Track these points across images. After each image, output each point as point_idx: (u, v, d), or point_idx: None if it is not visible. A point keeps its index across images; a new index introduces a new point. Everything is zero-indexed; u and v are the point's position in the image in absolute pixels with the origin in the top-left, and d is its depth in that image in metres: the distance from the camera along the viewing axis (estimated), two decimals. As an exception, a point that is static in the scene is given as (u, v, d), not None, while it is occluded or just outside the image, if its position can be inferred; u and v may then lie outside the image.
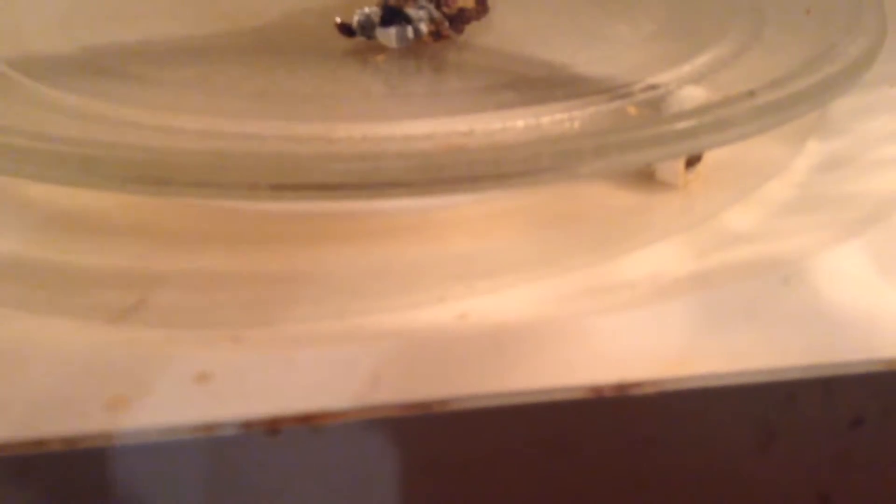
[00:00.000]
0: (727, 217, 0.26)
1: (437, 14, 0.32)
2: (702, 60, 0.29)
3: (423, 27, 0.32)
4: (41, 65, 0.30)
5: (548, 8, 0.36)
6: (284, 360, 0.21)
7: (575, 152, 0.22)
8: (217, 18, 0.35)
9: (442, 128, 0.25)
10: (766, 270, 0.24)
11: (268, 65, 0.31)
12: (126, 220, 0.26)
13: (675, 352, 0.21)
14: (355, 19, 0.32)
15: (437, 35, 0.32)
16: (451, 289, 0.23)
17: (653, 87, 0.27)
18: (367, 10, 0.32)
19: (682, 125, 0.23)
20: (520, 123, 0.25)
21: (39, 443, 0.19)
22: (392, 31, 0.31)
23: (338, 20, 0.32)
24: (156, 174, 0.21)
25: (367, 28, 0.32)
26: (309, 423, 0.20)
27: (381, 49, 0.32)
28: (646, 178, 0.27)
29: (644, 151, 0.23)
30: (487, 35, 0.33)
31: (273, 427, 0.19)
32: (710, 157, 0.27)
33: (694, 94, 0.26)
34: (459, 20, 0.33)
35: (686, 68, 0.29)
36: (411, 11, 0.32)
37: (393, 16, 0.31)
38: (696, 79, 0.28)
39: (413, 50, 0.32)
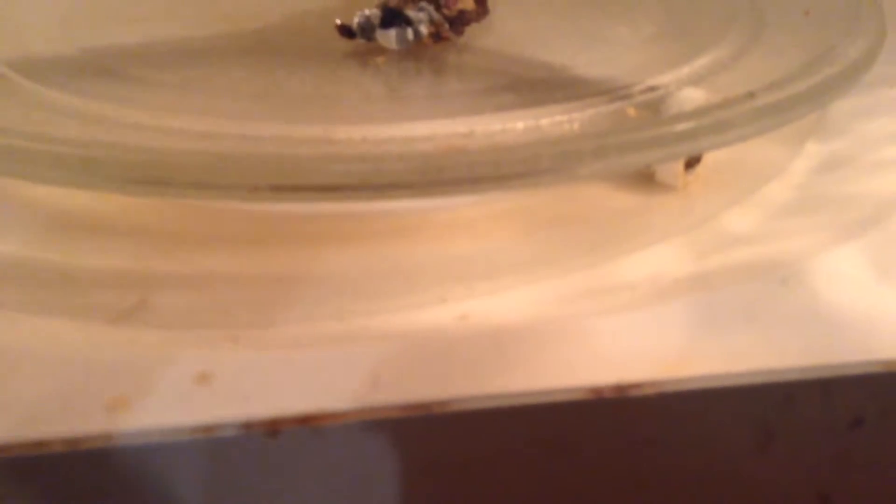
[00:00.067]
0: (726, 218, 0.26)
1: (436, 16, 0.32)
2: (701, 62, 0.29)
3: (423, 29, 0.32)
4: (41, 66, 0.30)
5: (548, 10, 0.36)
6: (284, 361, 0.21)
7: (574, 154, 0.22)
8: (217, 20, 0.35)
9: (442, 129, 0.25)
10: (765, 272, 0.24)
11: (268, 66, 0.31)
12: (126, 221, 0.26)
13: (675, 353, 0.21)
14: (355, 21, 0.32)
15: (437, 37, 0.32)
16: (452, 290, 0.23)
17: (652, 88, 0.27)
18: (367, 11, 0.32)
19: (681, 127, 0.23)
20: (519, 125, 0.25)
21: (40, 444, 0.19)
22: (392, 33, 0.31)
23: (338, 22, 0.32)
24: (156, 175, 0.21)
25: (367, 30, 0.32)
26: (309, 424, 0.20)
27: (381, 51, 0.32)
28: (645, 179, 0.27)
29: (643, 153, 0.23)
30: (487, 37, 0.33)
31: (273, 428, 0.19)
32: (709, 159, 0.27)
33: (693, 96, 0.26)
34: (459, 22, 0.33)
35: (685, 70, 0.29)
36: (411, 13, 0.32)
37: (393, 17, 0.31)
38: (696, 80, 0.28)
39: (413, 52, 0.32)
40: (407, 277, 0.24)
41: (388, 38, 0.31)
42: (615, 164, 0.22)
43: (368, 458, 0.20)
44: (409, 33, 0.31)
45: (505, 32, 0.34)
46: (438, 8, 0.32)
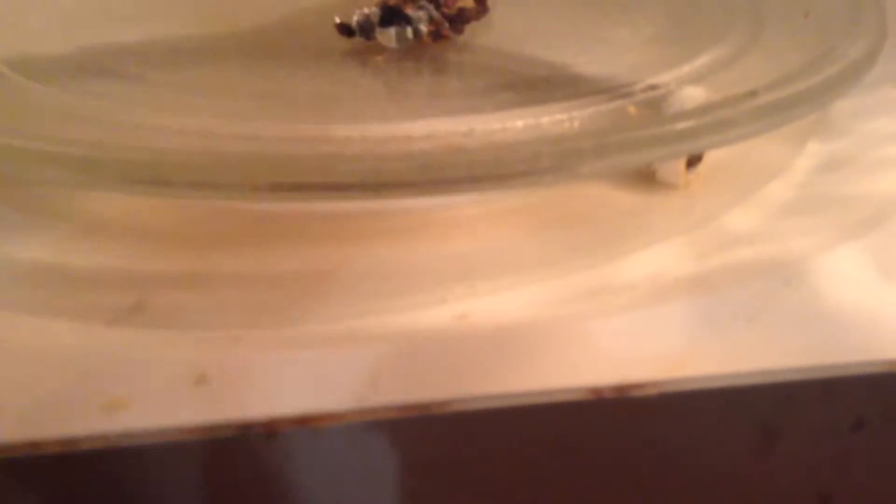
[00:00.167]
0: (728, 218, 0.26)
1: (436, 14, 0.32)
2: (702, 61, 0.29)
3: (423, 27, 0.32)
4: (40, 65, 0.30)
5: (548, 8, 0.36)
6: (283, 362, 0.21)
7: (575, 152, 0.22)
8: (216, 19, 0.35)
9: (442, 128, 0.25)
10: (766, 271, 0.24)
11: (267, 65, 0.31)
12: (124, 221, 0.26)
13: (676, 353, 0.21)
14: (354, 20, 0.32)
15: (436, 35, 0.32)
16: (452, 290, 0.23)
17: (653, 87, 0.27)
18: (366, 10, 0.32)
19: (682, 125, 0.23)
20: (519, 123, 0.25)
21: (36, 444, 0.19)
22: (391, 32, 0.31)
23: (337, 20, 0.32)
24: (155, 175, 0.21)
25: (366, 28, 0.32)
26: (308, 425, 0.19)
27: (381, 49, 0.32)
28: (646, 178, 0.27)
29: (644, 151, 0.23)
30: (487, 35, 0.33)
31: (271, 429, 0.19)
32: (710, 158, 0.27)
33: (694, 95, 0.26)
34: (459, 20, 0.33)
35: (686, 69, 0.28)
36: (411, 12, 0.32)
37: (392, 16, 0.31)
38: (697, 79, 0.28)
39: (412, 50, 0.32)
40: (406, 277, 0.24)
41: (388, 36, 0.31)
42: (616, 162, 0.22)
43: (368, 460, 0.20)
44: (409, 32, 0.31)
45: (505, 31, 0.34)
46: (438, 6, 0.32)
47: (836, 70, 0.26)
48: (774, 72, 0.26)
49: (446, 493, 0.21)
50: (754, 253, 0.25)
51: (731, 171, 0.28)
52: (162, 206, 0.26)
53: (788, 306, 0.22)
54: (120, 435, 0.19)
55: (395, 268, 0.24)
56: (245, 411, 0.19)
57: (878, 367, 0.21)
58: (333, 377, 0.20)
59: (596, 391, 0.20)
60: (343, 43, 0.32)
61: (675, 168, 0.27)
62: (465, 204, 0.26)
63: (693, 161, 0.27)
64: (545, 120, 0.25)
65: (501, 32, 0.33)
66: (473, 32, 0.33)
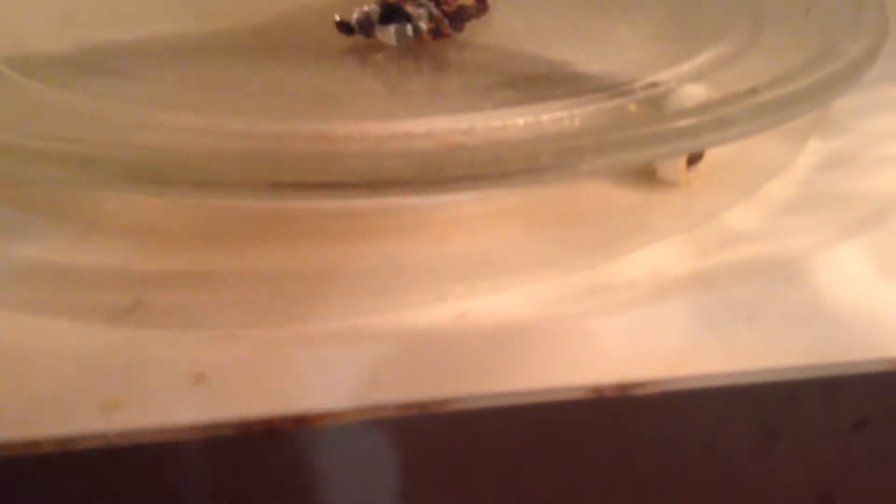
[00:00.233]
0: (729, 216, 0.26)
1: (436, 12, 0.32)
2: (703, 59, 0.29)
3: (423, 25, 0.32)
4: (39, 64, 0.30)
5: (548, 6, 0.36)
6: (282, 361, 0.21)
7: (575, 150, 0.22)
8: (216, 17, 0.35)
9: (442, 126, 0.25)
10: (767, 270, 0.24)
11: (266, 63, 0.31)
12: (123, 221, 0.26)
13: (677, 352, 0.21)
14: (354, 17, 0.32)
15: (436, 33, 0.32)
16: (452, 288, 0.23)
17: (654, 84, 0.27)
18: (366, 8, 0.32)
19: (683, 123, 0.23)
20: (520, 121, 0.25)
21: (35, 444, 0.19)
22: (391, 29, 0.31)
23: (337, 18, 0.32)
24: (154, 173, 0.21)
25: (366, 26, 0.31)
26: (307, 424, 0.19)
27: (381, 47, 0.31)
28: (647, 176, 0.27)
29: (645, 149, 0.23)
30: (487, 33, 0.33)
31: (270, 428, 0.19)
32: (711, 156, 0.27)
33: (695, 92, 0.26)
34: (459, 18, 0.33)
35: (687, 66, 0.28)
36: (410, 9, 0.31)
37: (392, 14, 0.31)
38: (697, 77, 0.28)
39: (412, 48, 0.32)
40: (406, 275, 0.24)
41: (388, 34, 0.31)
42: (616, 160, 0.22)
43: (368, 458, 0.20)
44: (409, 30, 0.31)
45: (505, 29, 0.34)
46: (438, 4, 0.32)
47: (836, 68, 0.26)
48: (775, 69, 0.26)
49: (446, 492, 0.21)
50: (755, 251, 0.24)
51: (732, 169, 0.28)
52: (161, 204, 0.26)
53: (789, 305, 0.22)
54: (119, 434, 0.19)
55: (395, 266, 0.24)
56: (244, 410, 0.19)
57: (880, 365, 0.21)
58: (333, 376, 0.20)
59: (597, 390, 0.20)
60: (343, 41, 0.32)
61: (675, 166, 0.27)
62: (465, 202, 0.26)
63: (693, 159, 0.27)
64: (545, 118, 0.25)
65: (501, 30, 0.33)
66: (473, 30, 0.33)
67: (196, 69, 0.30)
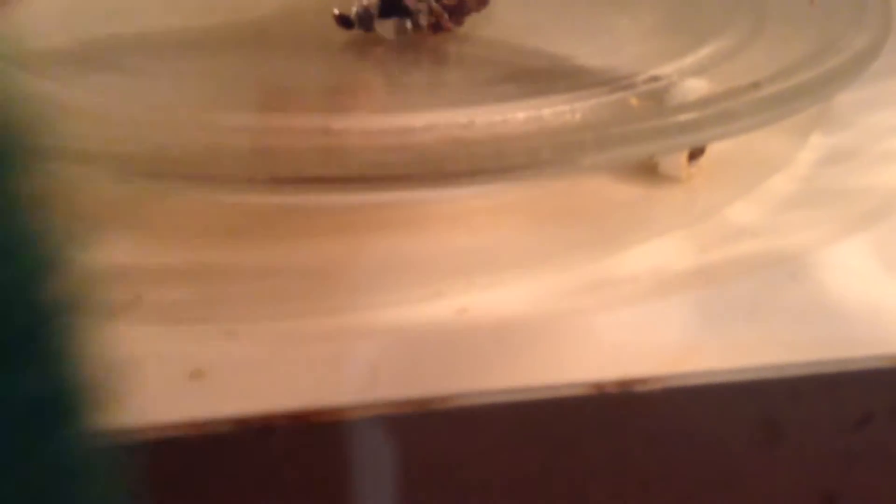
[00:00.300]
0: (731, 211, 0.26)
1: (436, 6, 0.32)
2: (705, 52, 0.29)
3: (423, 19, 0.31)
4: (37, 58, 0.30)
5: (548, 0, 0.36)
6: (281, 357, 0.21)
7: (576, 144, 0.22)
8: (214, 11, 0.35)
9: (442, 120, 0.24)
10: (770, 265, 0.23)
11: (265, 57, 0.30)
12: (122, 216, 0.25)
13: (679, 348, 0.21)
14: (354, 11, 0.31)
15: (436, 27, 0.32)
16: (451, 283, 0.23)
17: (655, 78, 0.27)
18: (365, 1, 0.31)
19: (685, 117, 0.23)
20: (521, 115, 0.25)
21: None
22: (391, 23, 0.31)
23: (336, 12, 0.32)
24: (153, 168, 0.21)
25: (365, 20, 0.31)
26: (305, 421, 0.19)
27: (380, 41, 0.31)
28: (648, 171, 0.27)
29: (646, 144, 0.22)
30: (487, 27, 0.33)
31: (268, 424, 0.19)
32: (713, 151, 0.27)
33: (697, 86, 0.26)
34: (459, 12, 0.32)
35: (689, 60, 0.28)
36: (410, 3, 0.31)
37: (392, 7, 0.31)
38: (699, 71, 0.28)
39: (412, 42, 0.31)
40: (405, 271, 0.23)
41: (387, 28, 0.31)
42: (617, 155, 0.22)
43: (367, 455, 0.20)
44: (408, 23, 0.31)
45: (505, 22, 0.33)
46: (438, -2, 0.32)
47: (839, 62, 0.26)
48: (777, 63, 0.26)
49: (446, 490, 0.21)
50: (758, 246, 0.24)
51: (734, 164, 0.28)
52: (159, 199, 0.26)
53: (793, 300, 0.22)
54: (115, 431, 0.19)
55: (394, 262, 0.24)
56: (242, 406, 0.19)
57: (884, 361, 0.21)
58: (332, 372, 0.20)
59: (598, 386, 0.20)
60: (342, 35, 0.32)
61: (677, 161, 0.26)
62: (465, 197, 0.26)
63: (695, 154, 0.27)
64: (546, 112, 0.25)
65: (502, 24, 0.33)
66: (474, 24, 0.33)
67: (195, 63, 0.30)
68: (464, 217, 0.25)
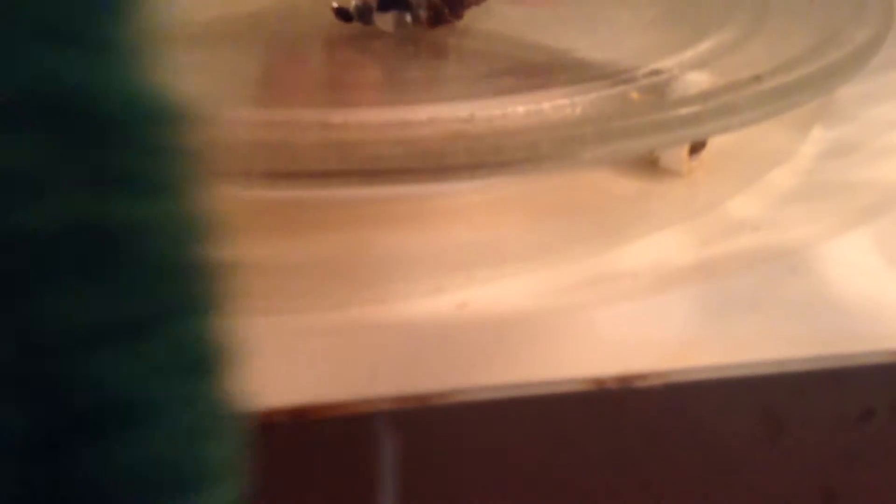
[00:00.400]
0: (732, 205, 0.26)
1: (435, -1, 0.32)
2: (705, 46, 0.29)
3: (422, 12, 0.31)
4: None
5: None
6: (280, 352, 0.20)
7: (577, 138, 0.21)
8: (213, 4, 0.35)
9: (441, 114, 0.24)
10: (771, 259, 0.23)
11: (264, 50, 0.30)
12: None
13: (679, 343, 0.21)
14: (353, 4, 0.31)
15: (435, 20, 0.32)
16: (451, 278, 0.23)
17: (656, 72, 0.27)
18: (364, -6, 0.31)
19: (685, 111, 0.22)
20: (521, 109, 0.25)
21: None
22: (390, 17, 0.31)
23: (335, 5, 0.32)
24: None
25: (364, 13, 0.31)
26: (305, 417, 0.19)
27: (379, 34, 0.31)
28: (648, 165, 0.27)
29: (647, 137, 0.22)
30: (487, 20, 0.33)
31: (267, 420, 0.19)
32: (714, 145, 0.27)
33: (698, 80, 0.26)
34: (459, 5, 0.32)
35: (689, 54, 0.28)
36: (410, -4, 0.31)
37: (391, 1, 0.31)
38: (700, 64, 0.27)
39: (411, 35, 0.31)
40: (404, 266, 0.23)
41: (386, 21, 0.31)
42: (618, 148, 0.22)
43: (366, 451, 0.20)
44: (408, 17, 0.31)
45: (505, 16, 0.33)
46: (437, -9, 0.32)
47: (841, 55, 0.26)
48: (779, 57, 0.25)
49: (444, 485, 0.21)
50: (759, 240, 0.24)
51: (735, 158, 0.28)
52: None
53: (794, 295, 0.22)
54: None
55: (394, 256, 0.24)
56: (241, 402, 0.19)
57: (886, 356, 0.20)
58: (331, 367, 0.20)
59: (598, 382, 0.20)
60: (340, 28, 0.31)
61: (677, 155, 0.26)
62: (465, 191, 0.26)
63: (696, 148, 0.26)
64: (547, 105, 0.25)
65: (502, 17, 0.33)
66: (473, 17, 0.33)
67: (193, 56, 0.30)
68: (464, 212, 0.25)
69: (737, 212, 0.25)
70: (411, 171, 0.21)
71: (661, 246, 0.24)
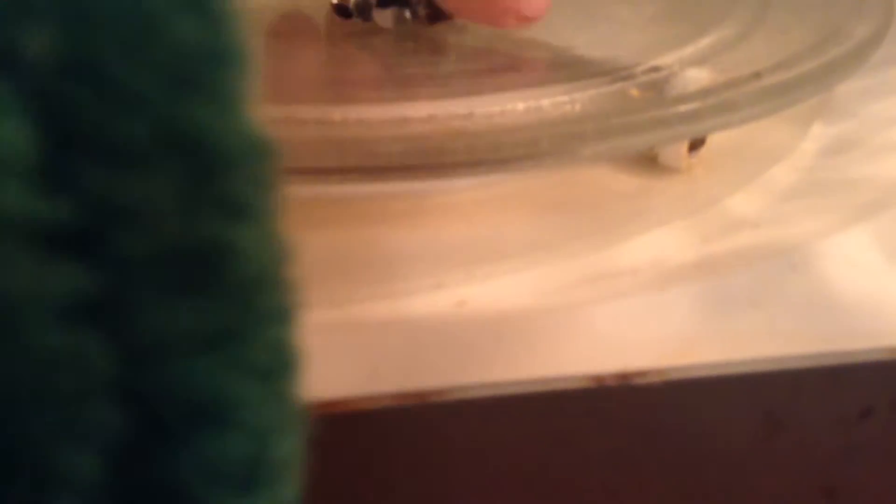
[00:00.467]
0: (732, 202, 0.26)
1: (434, -5, 0.32)
2: (705, 42, 0.29)
3: (421, 9, 0.31)
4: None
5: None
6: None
7: (576, 135, 0.21)
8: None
9: (441, 111, 0.24)
10: (771, 256, 0.23)
11: (261, 47, 0.30)
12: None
13: (679, 340, 0.21)
14: (352, 1, 0.31)
15: (435, 17, 0.32)
16: (450, 275, 0.23)
17: (656, 68, 0.27)
18: (363, -10, 0.31)
19: (685, 108, 0.22)
20: (520, 106, 0.25)
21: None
22: (389, 13, 0.31)
23: (334, 1, 0.31)
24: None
25: (363, 9, 0.31)
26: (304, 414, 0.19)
27: (378, 31, 0.31)
28: (648, 162, 0.27)
29: (646, 134, 0.22)
30: (487, 17, 0.33)
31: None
32: (713, 141, 0.27)
33: (698, 76, 0.26)
34: (458, 1, 0.32)
35: (689, 50, 0.28)
36: (409, -8, 0.31)
37: (390, -4, 0.31)
38: (700, 61, 0.27)
39: (411, 32, 0.31)
40: (403, 263, 0.23)
41: (385, 17, 0.31)
42: (617, 145, 0.22)
43: (364, 449, 0.20)
44: (407, 13, 0.31)
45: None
46: (437, -13, 0.32)
47: (841, 51, 0.26)
48: (779, 53, 0.25)
49: (443, 483, 0.21)
50: (759, 237, 0.24)
51: (735, 155, 0.28)
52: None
53: (794, 292, 0.22)
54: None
55: (393, 254, 0.24)
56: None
57: (886, 354, 0.20)
58: (328, 365, 0.20)
59: (597, 379, 0.20)
60: (340, 24, 0.31)
61: (677, 151, 0.26)
62: (464, 188, 0.26)
63: (696, 144, 0.26)
64: (546, 102, 0.25)
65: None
66: (472, 14, 0.32)
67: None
68: (463, 208, 0.25)
69: (737, 209, 0.25)
70: (410, 168, 0.21)
71: (661, 243, 0.24)
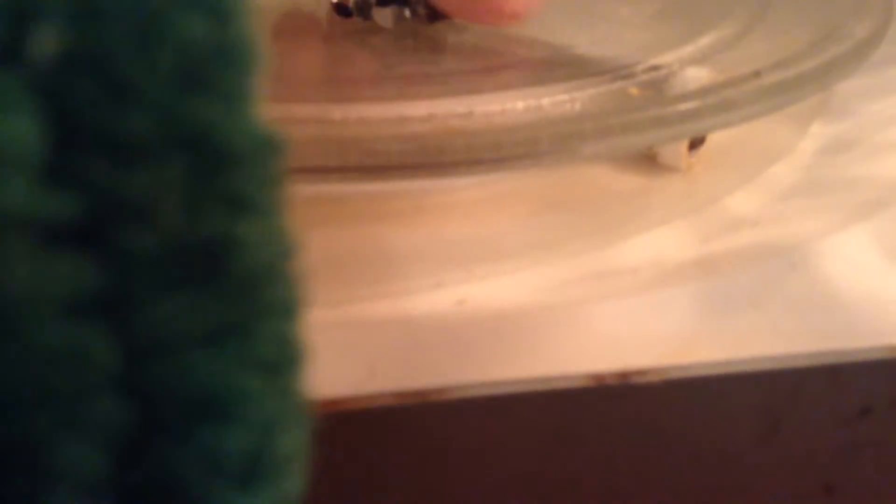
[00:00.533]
0: (731, 201, 0.26)
1: (434, -6, 0.31)
2: (705, 41, 0.29)
3: (420, 8, 0.31)
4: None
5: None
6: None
7: (576, 134, 0.21)
8: None
9: (440, 109, 0.24)
10: (771, 255, 0.23)
11: (262, 45, 0.30)
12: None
13: (679, 339, 0.21)
14: (351, 0, 0.31)
15: (434, 16, 0.32)
16: (450, 274, 0.23)
17: (655, 67, 0.27)
18: (363, -11, 0.31)
19: (685, 106, 0.22)
20: (520, 105, 0.25)
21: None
22: (389, 12, 0.31)
23: (334, 0, 0.31)
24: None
25: (363, 8, 0.31)
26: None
27: (378, 30, 0.31)
28: (648, 161, 0.27)
29: (646, 133, 0.22)
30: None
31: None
32: (713, 140, 0.27)
33: (697, 75, 0.26)
34: (458, 0, 0.32)
35: (689, 49, 0.28)
36: (409, -9, 0.31)
37: (390, -5, 0.31)
38: (700, 60, 0.27)
39: (410, 30, 0.31)
40: (403, 262, 0.23)
41: (385, 16, 0.31)
42: (617, 144, 0.22)
43: (364, 448, 0.20)
44: (406, 12, 0.31)
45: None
46: (436, -14, 0.32)
47: (840, 50, 0.26)
48: (778, 52, 0.25)
49: (442, 482, 0.21)
50: (758, 236, 0.24)
51: (735, 154, 0.28)
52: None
53: (794, 291, 0.22)
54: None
55: (393, 253, 0.24)
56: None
57: (885, 352, 0.20)
58: (328, 364, 0.20)
59: (597, 378, 0.20)
60: (340, 23, 0.31)
61: (677, 150, 0.26)
62: (464, 187, 0.26)
63: (696, 143, 0.26)
64: (546, 101, 0.25)
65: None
66: (472, 13, 0.32)
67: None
68: (462, 207, 0.25)
69: (736, 208, 0.25)
70: (410, 167, 0.21)
71: (661, 242, 0.24)
